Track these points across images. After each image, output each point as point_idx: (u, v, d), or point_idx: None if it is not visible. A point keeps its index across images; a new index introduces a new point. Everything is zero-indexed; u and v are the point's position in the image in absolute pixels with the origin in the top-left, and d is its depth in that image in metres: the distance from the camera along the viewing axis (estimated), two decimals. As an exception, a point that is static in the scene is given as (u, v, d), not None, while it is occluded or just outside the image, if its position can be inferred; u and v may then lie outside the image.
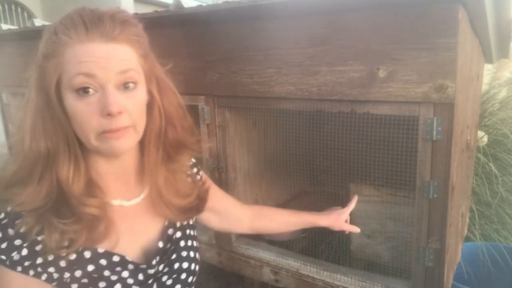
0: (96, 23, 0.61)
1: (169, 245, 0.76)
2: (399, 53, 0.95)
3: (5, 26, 1.99)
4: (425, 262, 1.05)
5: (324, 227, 1.09)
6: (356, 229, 1.12)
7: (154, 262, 0.73)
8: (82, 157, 0.66)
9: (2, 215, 0.63)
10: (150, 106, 0.70)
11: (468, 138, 1.31)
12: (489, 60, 1.77)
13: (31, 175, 0.62)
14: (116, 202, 0.72)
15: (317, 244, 1.40)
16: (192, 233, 0.84)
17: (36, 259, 0.62)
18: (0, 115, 2.29)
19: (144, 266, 0.71)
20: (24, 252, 0.62)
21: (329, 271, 1.23)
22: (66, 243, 0.62)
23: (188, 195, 0.79)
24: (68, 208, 0.62)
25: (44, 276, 0.63)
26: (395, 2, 0.93)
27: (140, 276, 0.70)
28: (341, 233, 1.15)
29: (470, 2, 0.91)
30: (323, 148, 1.22)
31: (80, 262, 0.65)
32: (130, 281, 0.69)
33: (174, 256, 0.76)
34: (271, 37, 1.14)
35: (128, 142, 0.65)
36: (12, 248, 0.62)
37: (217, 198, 0.94)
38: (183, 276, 0.77)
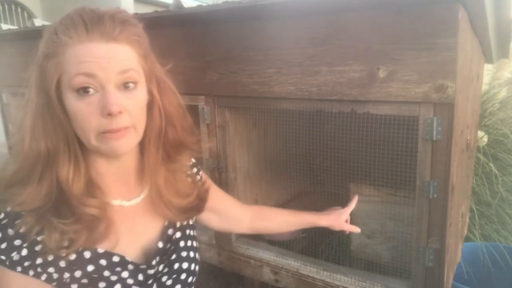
0: (96, 23, 0.61)
1: (169, 245, 0.76)
2: (399, 53, 0.95)
3: (5, 26, 1.99)
4: (425, 262, 1.05)
5: (324, 227, 1.09)
6: (356, 229, 1.11)
7: (154, 262, 0.73)
8: (82, 157, 0.66)
9: (2, 215, 0.63)
10: (150, 106, 0.70)
11: (468, 138, 1.31)
12: (489, 60, 1.77)
13: (31, 175, 0.62)
14: (116, 202, 0.71)
15: (317, 244, 1.39)
16: (192, 233, 0.83)
17: (36, 259, 0.62)
18: (0, 115, 2.29)
19: (144, 266, 0.71)
20: (24, 252, 0.62)
21: (329, 271, 1.23)
22: (66, 243, 0.62)
23: (188, 195, 0.79)
24: (68, 208, 0.62)
25: (44, 276, 0.63)
26: (395, 2, 0.93)
27: (140, 276, 0.70)
28: (341, 233, 1.15)
29: (470, 2, 0.91)
30: (323, 148, 1.22)
31: (80, 262, 0.65)
32: (130, 281, 0.69)
33: (174, 256, 0.76)
34: (271, 37, 1.14)
35: (128, 143, 0.65)
36: (12, 248, 0.62)
37: (217, 198, 0.94)
38: (183, 276, 0.77)
